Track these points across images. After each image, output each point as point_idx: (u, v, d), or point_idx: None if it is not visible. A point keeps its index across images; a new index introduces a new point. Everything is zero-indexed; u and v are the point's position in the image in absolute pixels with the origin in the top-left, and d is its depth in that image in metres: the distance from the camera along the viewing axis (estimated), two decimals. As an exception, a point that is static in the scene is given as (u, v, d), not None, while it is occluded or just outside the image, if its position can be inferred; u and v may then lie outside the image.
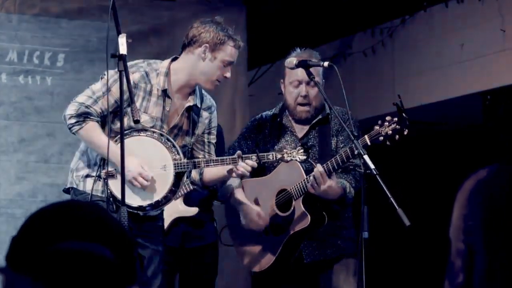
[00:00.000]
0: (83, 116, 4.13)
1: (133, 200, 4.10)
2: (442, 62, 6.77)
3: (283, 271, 4.52)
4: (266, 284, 4.63)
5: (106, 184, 4.10)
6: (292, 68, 4.42)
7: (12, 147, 6.04)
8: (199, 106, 4.33)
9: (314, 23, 7.31)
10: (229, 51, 4.21)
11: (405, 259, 7.66)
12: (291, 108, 4.55)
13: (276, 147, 4.52)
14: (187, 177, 4.44)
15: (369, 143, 4.11)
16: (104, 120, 4.17)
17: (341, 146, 4.40)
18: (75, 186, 4.22)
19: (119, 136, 4.06)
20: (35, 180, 6.05)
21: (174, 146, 4.19)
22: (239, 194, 4.56)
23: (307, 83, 4.47)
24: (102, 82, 4.17)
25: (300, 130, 4.58)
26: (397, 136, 4.09)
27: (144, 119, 4.12)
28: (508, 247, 1.38)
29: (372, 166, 3.86)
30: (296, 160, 4.17)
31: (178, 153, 4.19)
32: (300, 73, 4.43)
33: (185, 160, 4.21)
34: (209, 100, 4.42)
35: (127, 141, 3.93)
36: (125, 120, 4.01)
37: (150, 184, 4.15)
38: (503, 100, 6.44)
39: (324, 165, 4.25)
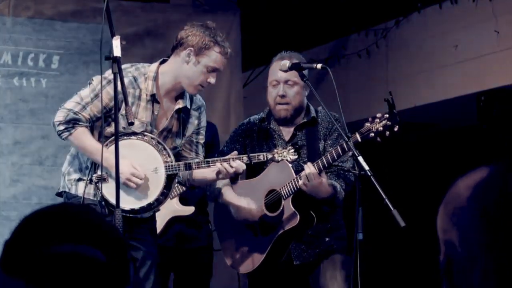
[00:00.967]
0: (72, 123, 4.12)
1: (126, 203, 4.10)
2: (436, 63, 6.78)
3: (273, 273, 4.52)
4: (259, 286, 4.64)
5: (97, 188, 4.10)
6: (285, 71, 4.42)
7: (7, 149, 6.04)
8: (189, 107, 4.33)
9: (308, 25, 7.32)
10: (213, 57, 4.17)
11: (400, 260, 7.66)
12: (272, 108, 4.57)
13: (263, 151, 4.53)
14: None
15: (359, 140, 4.11)
16: (93, 126, 4.18)
17: (330, 150, 4.40)
18: (67, 190, 4.22)
19: (109, 140, 4.07)
20: (29, 182, 6.05)
21: (165, 149, 4.19)
22: (228, 191, 4.56)
23: (285, 82, 4.49)
24: (90, 88, 4.17)
25: (287, 134, 4.59)
26: (387, 133, 4.09)
27: (134, 124, 4.12)
28: (507, 249, 1.38)
29: (366, 167, 3.86)
30: (287, 160, 4.18)
31: (169, 156, 4.19)
32: (279, 73, 4.45)
33: (176, 163, 4.21)
34: (199, 100, 4.41)
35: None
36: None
37: (142, 187, 4.15)
38: (497, 101, 6.45)
39: (315, 163, 4.26)
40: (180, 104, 4.26)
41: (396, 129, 4.09)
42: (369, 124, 4.13)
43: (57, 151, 5.98)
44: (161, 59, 4.31)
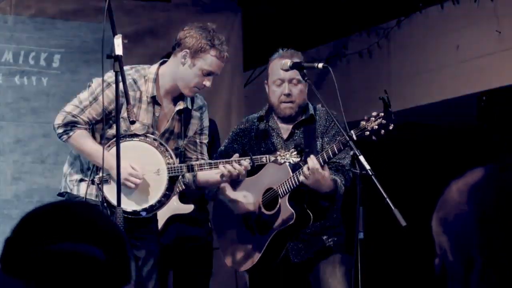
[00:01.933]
0: (70, 125, 4.13)
1: (127, 205, 4.10)
2: (438, 63, 6.77)
3: (272, 271, 4.53)
4: (260, 284, 4.64)
5: (99, 189, 4.10)
6: (286, 70, 4.43)
7: (8, 148, 6.04)
8: (190, 108, 4.33)
9: (309, 24, 7.31)
10: (209, 61, 4.14)
11: (401, 259, 7.66)
12: (275, 106, 4.57)
13: (262, 149, 4.54)
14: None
15: (355, 138, 4.13)
16: (94, 128, 4.18)
17: (331, 145, 4.40)
18: (69, 190, 4.23)
19: (111, 142, 4.07)
20: (31, 180, 6.05)
21: (167, 150, 4.19)
22: (227, 189, 4.57)
23: (289, 81, 4.50)
24: (89, 91, 4.17)
25: (286, 132, 4.61)
26: (382, 131, 4.11)
27: (136, 126, 4.11)
28: (506, 250, 1.38)
29: (367, 166, 3.86)
30: (290, 162, 4.19)
31: (171, 157, 4.19)
32: (282, 72, 4.45)
33: (179, 164, 4.20)
34: (200, 100, 4.41)
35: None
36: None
37: (144, 189, 4.15)
38: (498, 101, 6.44)
39: (318, 156, 4.26)
40: (181, 105, 4.26)
41: (391, 127, 4.11)
42: (364, 123, 4.15)
43: (59, 149, 5.97)
44: (161, 60, 4.30)
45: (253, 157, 4.20)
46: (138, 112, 4.15)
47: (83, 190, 4.16)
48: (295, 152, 4.18)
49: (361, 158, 3.91)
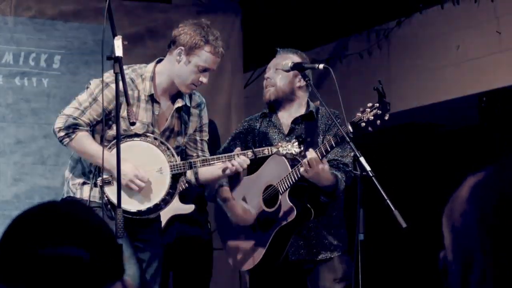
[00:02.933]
0: (72, 128, 4.12)
1: (131, 205, 4.10)
2: (438, 64, 6.77)
3: (272, 269, 4.53)
4: (259, 284, 4.64)
5: (102, 191, 4.09)
6: (287, 71, 4.44)
7: (9, 149, 6.04)
8: (189, 105, 4.33)
9: (309, 25, 7.31)
10: (204, 57, 4.14)
11: (401, 261, 7.66)
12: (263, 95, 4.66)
13: (264, 144, 4.55)
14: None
15: (351, 130, 4.13)
16: (94, 129, 4.18)
17: (328, 138, 4.40)
18: (72, 194, 4.21)
19: (112, 143, 4.06)
20: (31, 181, 6.05)
21: (168, 149, 4.19)
22: (225, 192, 4.58)
23: (274, 68, 4.59)
24: (88, 92, 4.17)
25: (287, 127, 4.62)
26: (378, 121, 4.12)
27: (135, 125, 4.11)
28: (506, 250, 1.38)
29: (368, 168, 3.86)
30: (292, 153, 4.19)
31: (173, 155, 4.19)
32: (268, 66, 4.60)
33: (181, 162, 4.20)
34: (198, 97, 4.41)
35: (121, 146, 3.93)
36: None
37: (148, 188, 4.14)
38: (499, 102, 6.45)
39: (316, 149, 4.26)
40: (179, 103, 4.26)
41: (386, 117, 4.12)
42: (360, 114, 4.17)
43: (59, 150, 5.97)
44: (158, 59, 4.30)
45: (255, 149, 4.20)
46: (137, 111, 4.15)
47: (86, 193, 4.16)
48: (296, 143, 4.18)
49: (362, 159, 3.91)
